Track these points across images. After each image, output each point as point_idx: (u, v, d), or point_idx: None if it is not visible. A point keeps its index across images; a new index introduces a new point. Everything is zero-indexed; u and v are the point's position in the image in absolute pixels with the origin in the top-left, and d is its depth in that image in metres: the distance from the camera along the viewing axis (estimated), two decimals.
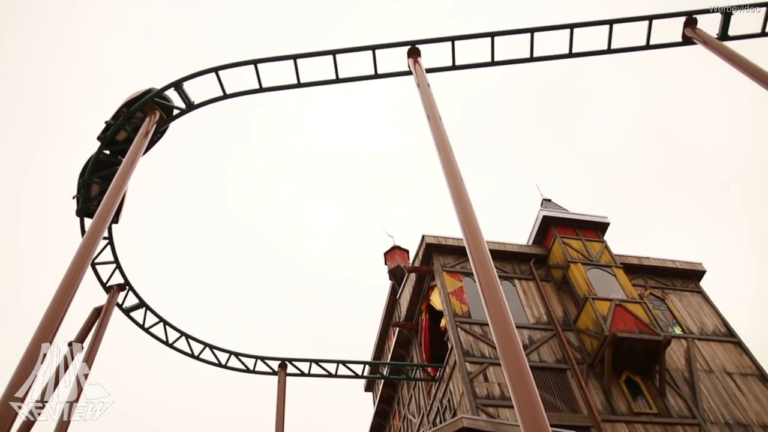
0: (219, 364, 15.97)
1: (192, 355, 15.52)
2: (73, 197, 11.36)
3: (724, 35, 11.21)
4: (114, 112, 10.73)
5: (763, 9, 11.17)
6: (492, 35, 10.71)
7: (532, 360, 15.35)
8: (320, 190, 73.36)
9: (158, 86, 10.69)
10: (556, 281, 17.87)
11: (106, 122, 10.79)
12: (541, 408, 4.43)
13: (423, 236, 18.30)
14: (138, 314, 14.26)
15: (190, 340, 15.38)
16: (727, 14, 11.17)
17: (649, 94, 64.62)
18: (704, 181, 62.23)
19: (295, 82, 10.96)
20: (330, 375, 16.96)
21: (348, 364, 17.13)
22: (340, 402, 57.43)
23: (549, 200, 20.55)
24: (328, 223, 71.25)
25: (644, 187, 64.18)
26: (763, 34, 11.48)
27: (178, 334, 15.14)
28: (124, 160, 9.56)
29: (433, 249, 18.02)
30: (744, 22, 11.78)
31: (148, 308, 14.23)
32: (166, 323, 14.74)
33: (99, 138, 10.83)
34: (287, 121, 70.07)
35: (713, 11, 11.24)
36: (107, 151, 11.00)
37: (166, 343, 14.97)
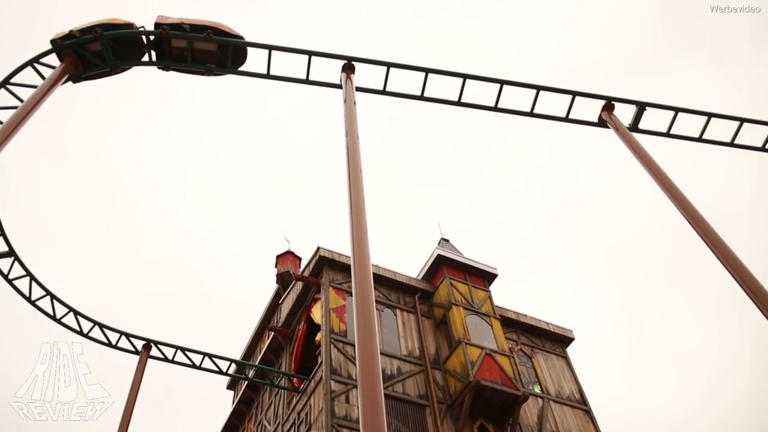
0: (81, 333, 15.16)
1: (54, 318, 14.67)
2: None
3: (634, 126, 11.99)
4: None
5: (672, 112, 12.06)
6: (427, 71, 10.95)
7: (395, 390, 15.58)
8: (224, 166, 71.28)
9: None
10: (435, 319, 18.27)
11: None
12: None
13: (318, 248, 18.28)
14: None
15: (55, 302, 14.54)
16: (641, 107, 11.96)
17: (560, 151, 67.67)
18: (591, 248, 65.63)
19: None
20: (194, 366, 16.50)
21: (215, 358, 16.74)
22: (198, 391, 55.95)
23: (447, 240, 21.07)
24: (232, 204, 69.72)
25: (537, 239, 66.86)
26: (667, 134, 12.38)
27: (44, 293, 14.27)
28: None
29: (325, 262, 18.02)
30: (655, 119, 12.68)
31: (17, 259, 13.36)
32: (32, 278, 13.86)
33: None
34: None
35: (630, 102, 12.00)
36: None
37: (28, 299, 14.08)
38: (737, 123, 12.50)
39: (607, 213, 66.94)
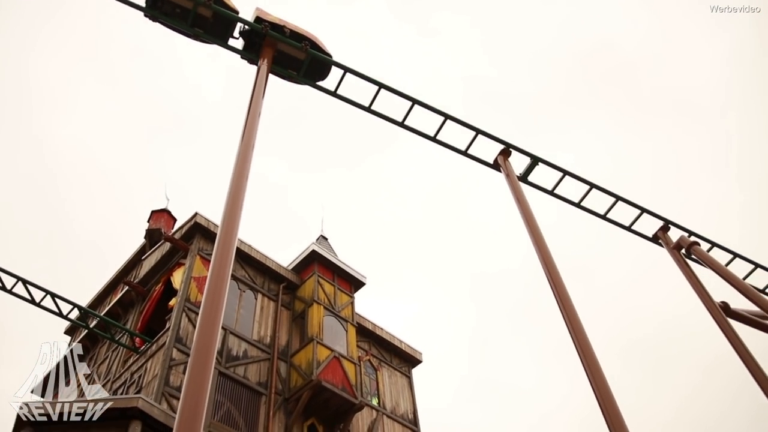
0: None
1: None
2: None
3: (524, 177, 12.59)
4: None
5: (560, 173, 12.78)
6: (346, 70, 11.00)
7: (237, 372, 15.41)
8: (124, 91, 67.46)
9: None
10: (294, 312, 18.26)
11: None
12: (202, 413, 4.46)
13: (196, 213, 17.80)
14: None
15: None
16: (534, 161, 12.58)
17: (457, 169, 69.64)
18: (461, 272, 67.89)
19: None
20: (32, 302, 15.51)
21: (58, 299, 15.84)
22: (33, 329, 52.60)
23: (326, 239, 21.14)
24: (122, 138, 66.26)
25: (413, 252, 68.42)
26: (551, 192, 13.11)
27: None
28: None
29: (198, 229, 17.58)
30: (546, 175, 13.41)
31: None
32: None
33: None
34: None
35: (526, 153, 12.60)
36: None
37: None
38: (613, 199, 13.47)
39: (486, 242, 69.53)
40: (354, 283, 19.76)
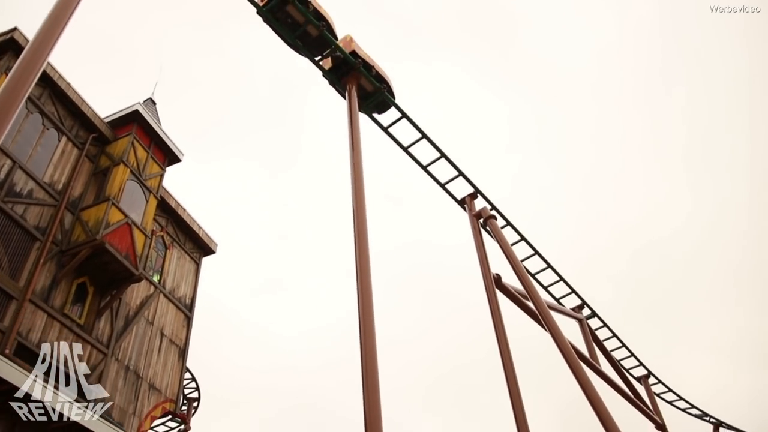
0: None
1: None
2: None
3: (366, 108, 12.83)
4: None
5: (399, 114, 13.21)
6: None
7: (15, 210, 14.30)
8: None
9: None
10: (99, 167, 17.18)
11: None
12: None
13: (15, 28, 15.84)
14: None
15: None
16: (378, 93, 12.81)
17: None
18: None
19: None
20: None
21: None
22: None
23: (154, 103, 19.96)
24: None
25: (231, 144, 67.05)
26: (385, 129, 13.54)
27: None
28: None
29: (13, 47, 15.69)
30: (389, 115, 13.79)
31: None
32: None
33: None
34: None
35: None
36: None
37: None
38: (438, 154, 14.23)
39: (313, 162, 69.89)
40: (170, 157, 18.98)
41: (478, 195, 15.74)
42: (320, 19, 12.48)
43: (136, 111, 17.80)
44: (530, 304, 14.69)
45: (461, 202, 15.79)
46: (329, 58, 12.89)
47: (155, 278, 18.60)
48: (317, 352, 65.17)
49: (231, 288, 65.36)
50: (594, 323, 21.12)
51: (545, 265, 17.94)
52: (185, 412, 21.43)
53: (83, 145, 16.91)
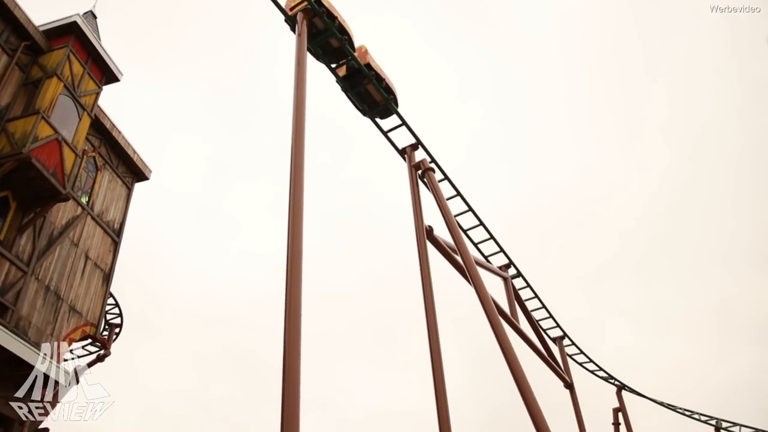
0: None
1: None
2: None
3: (312, 41, 12.61)
4: None
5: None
6: None
7: None
8: None
9: None
10: (30, 77, 16.32)
11: None
12: None
13: None
14: None
15: None
16: (329, 29, 12.61)
17: None
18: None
19: None
20: None
21: None
22: None
23: (94, 16, 18.98)
24: None
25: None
26: (329, 67, 13.36)
27: None
28: None
29: None
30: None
31: None
32: None
33: None
34: None
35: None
36: None
37: None
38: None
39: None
40: (108, 75, 18.19)
41: (419, 146, 15.85)
42: (343, 33, 13.84)
43: (75, 23, 16.90)
44: (458, 259, 15.06)
45: (402, 152, 15.88)
46: (344, 66, 14.53)
47: (83, 199, 18.08)
48: (248, 287, 65.21)
49: (164, 216, 64.28)
50: (519, 283, 21.86)
51: (477, 222, 18.35)
52: (106, 337, 21.19)
53: (14, 52, 16.02)
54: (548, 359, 22.37)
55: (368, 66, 14.45)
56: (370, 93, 14.71)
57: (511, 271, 21.07)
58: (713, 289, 67.19)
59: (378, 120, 15.64)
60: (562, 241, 71.39)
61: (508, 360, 13.07)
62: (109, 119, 19.23)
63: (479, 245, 19.70)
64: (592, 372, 28.18)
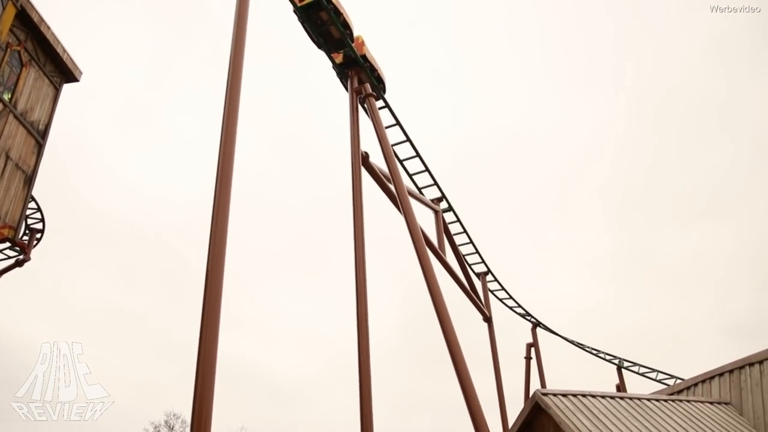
0: None
1: None
2: None
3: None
4: None
5: None
6: None
7: None
8: None
9: None
10: None
11: None
12: None
13: None
14: None
15: None
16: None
17: None
18: None
19: None
20: None
21: None
22: None
23: None
24: None
25: None
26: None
27: None
28: None
29: None
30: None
31: None
32: None
33: None
34: None
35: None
36: None
37: None
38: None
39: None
40: None
41: (362, 70, 15.68)
42: (346, 27, 15.47)
43: None
44: (392, 188, 15.23)
45: (344, 76, 15.70)
46: (341, 54, 15.93)
47: (6, 96, 17.13)
48: (180, 200, 64.03)
49: (96, 121, 61.70)
50: (450, 217, 22.34)
51: (414, 153, 18.50)
52: (26, 242, 20.60)
53: None
54: (471, 293, 23.20)
55: (364, 57, 16.08)
56: (362, 79, 16.25)
57: (443, 204, 21.48)
58: (636, 236, 70.45)
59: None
60: (497, 179, 72.77)
61: (431, 290, 13.49)
62: (37, 12, 18.06)
63: (414, 176, 19.92)
64: (511, 308, 29.42)
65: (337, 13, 15.00)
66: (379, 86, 16.70)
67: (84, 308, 53.24)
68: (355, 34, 16.13)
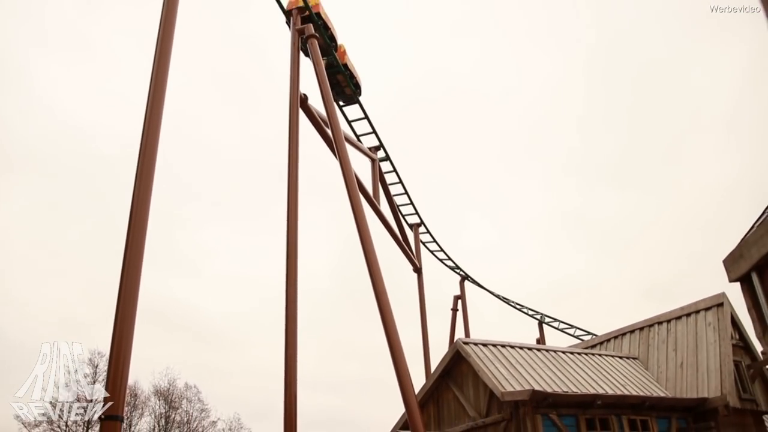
0: None
1: None
2: None
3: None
4: None
5: None
6: None
7: None
8: None
9: None
10: None
11: None
12: None
13: None
14: None
15: None
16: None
17: None
18: None
19: None
20: None
21: None
22: None
23: None
24: None
25: None
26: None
27: None
28: None
29: None
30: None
31: None
32: None
33: None
34: None
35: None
36: None
37: None
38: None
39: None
40: None
41: (307, 10, 15.23)
42: (332, 40, 17.19)
43: None
44: (329, 132, 15.00)
45: (287, 13, 15.19)
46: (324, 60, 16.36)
47: None
48: (114, 132, 61.52)
49: (32, 45, 58.09)
50: (386, 167, 22.29)
51: None
52: None
53: None
54: (402, 243, 23.40)
55: (345, 66, 17.81)
56: (339, 82, 17.84)
57: (380, 153, 21.38)
58: (568, 198, 72.36)
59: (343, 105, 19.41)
60: (441, 132, 72.98)
61: (362, 238, 13.50)
62: None
63: (353, 123, 19.70)
64: (441, 261, 29.86)
65: (326, 27, 16.46)
66: (356, 92, 18.72)
67: (14, 239, 51.24)
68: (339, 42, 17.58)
